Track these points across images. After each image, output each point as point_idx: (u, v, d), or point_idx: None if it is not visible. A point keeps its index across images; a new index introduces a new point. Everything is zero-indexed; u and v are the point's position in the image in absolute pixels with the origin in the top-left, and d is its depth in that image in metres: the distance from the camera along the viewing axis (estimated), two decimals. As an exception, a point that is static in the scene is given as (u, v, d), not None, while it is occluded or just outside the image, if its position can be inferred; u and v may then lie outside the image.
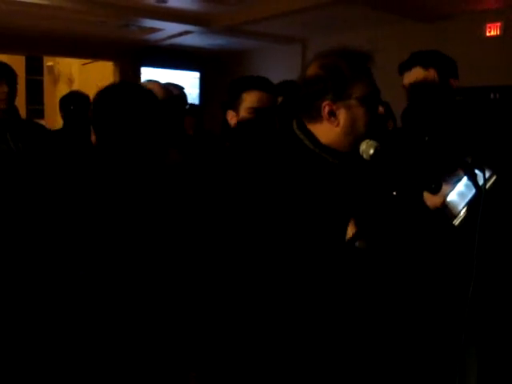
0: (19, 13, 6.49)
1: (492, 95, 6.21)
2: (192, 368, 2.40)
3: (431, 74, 2.45)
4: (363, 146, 1.73)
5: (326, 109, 1.75)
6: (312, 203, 1.71)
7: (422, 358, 2.33)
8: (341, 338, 1.79)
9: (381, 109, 1.79)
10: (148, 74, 8.86)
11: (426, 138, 2.30)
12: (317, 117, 1.78)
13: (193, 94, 9.48)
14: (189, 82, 9.43)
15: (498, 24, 6.42)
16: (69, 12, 6.47)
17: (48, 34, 7.84)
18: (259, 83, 2.57)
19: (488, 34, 6.49)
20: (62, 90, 10.74)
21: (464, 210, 1.94)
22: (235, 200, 1.80)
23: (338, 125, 1.75)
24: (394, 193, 1.66)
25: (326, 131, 1.77)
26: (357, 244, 1.68)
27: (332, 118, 1.75)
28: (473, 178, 1.77)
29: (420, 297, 2.27)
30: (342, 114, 1.75)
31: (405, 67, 2.51)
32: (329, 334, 1.77)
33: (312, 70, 1.79)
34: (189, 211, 2.14)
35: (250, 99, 2.51)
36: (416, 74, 2.46)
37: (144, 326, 2.20)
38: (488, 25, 6.45)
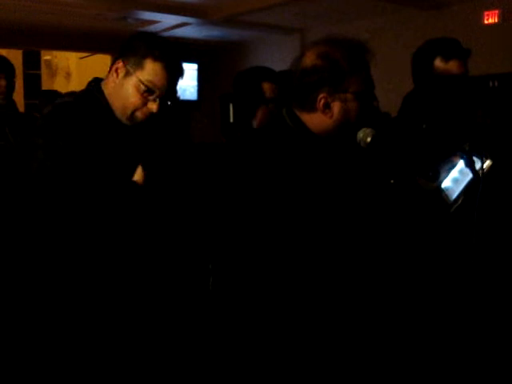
0: (15, 7, 6.47)
1: (491, 83, 6.20)
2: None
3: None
4: (361, 134, 1.74)
5: (322, 101, 1.75)
6: (300, 188, 1.72)
7: (421, 346, 2.34)
8: (341, 325, 1.80)
9: (376, 104, 1.79)
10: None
11: (424, 126, 2.30)
12: (310, 107, 1.78)
13: (191, 86, 9.45)
14: (187, 73, 9.39)
15: (496, 12, 6.40)
16: (65, 5, 6.45)
17: (45, 28, 7.80)
18: (271, 75, 2.61)
19: (486, 22, 6.48)
20: (60, 83, 10.72)
21: (460, 197, 1.95)
22: (228, 191, 1.80)
23: (331, 117, 1.76)
24: (392, 181, 1.66)
25: (319, 121, 1.78)
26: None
27: (326, 110, 1.75)
28: (471, 165, 1.78)
29: (418, 285, 2.28)
30: (336, 107, 1.75)
31: (449, 55, 2.46)
32: (332, 320, 1.78)
33: (309, 60, 1.78)
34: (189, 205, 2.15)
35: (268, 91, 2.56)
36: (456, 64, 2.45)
37: (142, 317, 2.21)
38: (486, 12, 6.43)
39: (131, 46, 2.11)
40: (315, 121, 1.79)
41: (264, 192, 1.71)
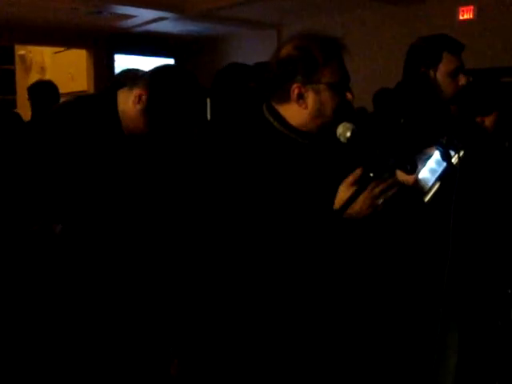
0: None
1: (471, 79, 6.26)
2: (174, 355, 2.42)
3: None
4: (340, 129, 1.76)
5: (296, 91, 1.77)
6: (281, 182, 1.73)
7: (400, 332, 2.37)
8: (322, 311, 1.81)
9: (349, 96, 1.81)
10: (122, 61, 8.77)
11: (402, 120, 2.33)
12: (286, 98, 1.80)
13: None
14: (163, 69, 9.35)
15: (471, 7, 6.46)
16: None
17: (19, 22, 7.72)
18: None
19: (461, 18, 6.54)
20: (35, 79, 10.58)
21: (435, 186, 1.99)
22: (210, 184, 1.81)
23: (306, 107, 1.78)
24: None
25: (294, 113, 1.80)
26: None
27: (300, 101, 1.77)
28: (447, 158, 1.81)
29: (396, 274, 2.31)
30: (310, 98, 1.77)
31: (455, 50, 2.53)
32: (312, 308, 1.80)
33: (285, 51, 1.81)
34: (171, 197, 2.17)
35: None
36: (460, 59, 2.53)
37: (125, 314, 2.21)
38: (461, 8, 6.49)
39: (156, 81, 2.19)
40: (291, 112, 1.81)
41: (235, 187, 1.74)
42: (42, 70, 10.50)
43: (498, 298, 2.56)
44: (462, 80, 2.47)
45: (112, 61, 8.82)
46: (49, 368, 2.15)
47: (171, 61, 9.62)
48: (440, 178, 1.97)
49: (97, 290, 2.14)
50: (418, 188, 1.99)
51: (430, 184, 1.99)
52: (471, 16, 6.47)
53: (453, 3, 6.52)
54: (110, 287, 2.16)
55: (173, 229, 2.19)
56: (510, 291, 2.60)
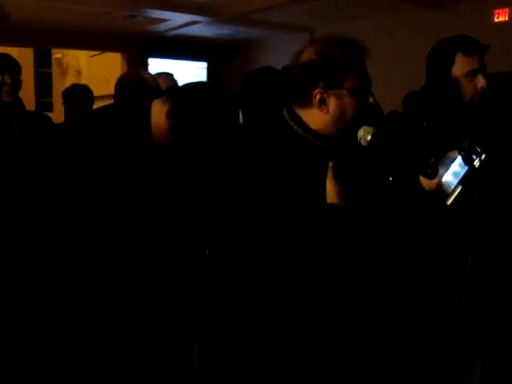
0: (26, 6, 6.51)
1: (501, 81, 6.18)
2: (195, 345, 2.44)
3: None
4: (361, 133, 1.76)
5: (317, 96, 1.77)
6: (300, 185, 1.74)
7: (411, 334, 2.35)
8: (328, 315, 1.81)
9: (371, 100, 1.80)
10: (155, 64, 8.86)
11: (424, 124, 2.31)
12: (307, 103, 1.80)
13: (200, 84, 9.44)
14: (196, 72, 9.43)
15: (506, 10, 6.38)
16: (74, 4, 6.49)
17: (55, 27, 7.85)
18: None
19: (496, 20, 6.45)
20: (71, 82, 10.74)
21: (457, 190, 1.96)
22: (233, 186, 1.82)
23: (327, 112, 1.78)
24: (390, 178, 1.67)
25: (315, 117, 1.80)
26: None
27: (322, 106, 1.77)
28: (470, 163, 1.79)
29: (415, 280, 2.29)
30: (332, 103, 1.77)
31: (471, 50, 2.47)
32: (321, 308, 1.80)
33: (307, 56, 1.81)
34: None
35: None
36: (479, 59, 2.45)
37: (147, 310, 2.22)
38: (496, 11, 6.41)
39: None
40: (312, 117, 1.81)
41: (253, 187, 1.75)
42: (78, 73, 10.67)
43: None
44: (481, 82, 2.40)
45: (146, 64, 8.91)
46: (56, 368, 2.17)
47: (204, 64, 9.68)
48: (462, 182, 1.96)
49: (112, 291, 2.16)
50: (441, 191, 1.98)
51: (453, 187, 1.98)
52: (506, 18, 6.39)
53: (487, 6, 6.44)
54: (125, 288, 2.17)
55: (201, 230, 2.21)
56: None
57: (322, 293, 1.79)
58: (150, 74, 3.52)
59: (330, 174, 1.74)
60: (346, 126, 1.79)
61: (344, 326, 1.84)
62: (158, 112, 2.17)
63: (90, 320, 2.15)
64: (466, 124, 2.29)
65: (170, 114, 2.12)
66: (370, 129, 1.75)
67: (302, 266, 1.73)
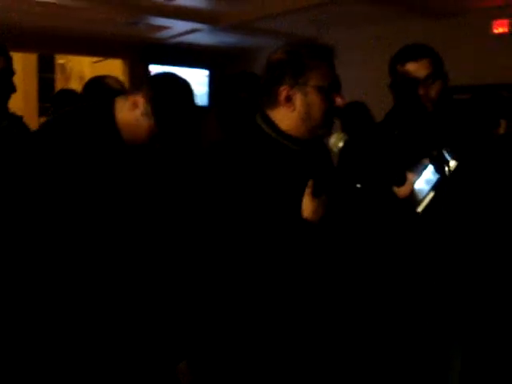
0: (29, 11, 6.55)
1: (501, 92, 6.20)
2: (182, 357, 2.45)
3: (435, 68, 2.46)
4: (333, 139, 1.79)
5: (283, 93, 1.80)
6: (273, 188, 1.76)
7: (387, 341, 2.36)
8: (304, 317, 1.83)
9: (340, 101, 1.83)
10: (157, 71, 8.87)
11: (396, 132, 2.33)
12: (275, 102, 1.83)
13: (201, 92, 9.52)
14: (198, 79, 9.46)
15: (506, 21, 6.40)
16: (76, 10, 6.51)
17: (59, 33, 7.88)
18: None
19: (495, 31, 6.47)
20: (74, 87, 10.79)
21: (428, 197, 1.97)
22: (208, 192, 1.83)
23: (293, 110, 1.80)
24: (358, 185, 1.69)
25: (283, 116, 1.83)
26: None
27: (288, 103, 1.80)
28: (440, 171, 1.82)
29: (388, 283, 2.30)
30: (298, 100, 1.80)
31: (411, 56, 2.47)
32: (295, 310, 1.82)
33: (275, 56, 1.85)
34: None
35: None
36: (426, 65, 2.44)
37: (132, 315, 2.24)
38: (495, 22, 6.43)
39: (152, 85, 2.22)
40: (281, 116, 1.84)
41: (230, 194, 1.77)
42: (81, 79, 10.70)
43: (501, 310, 2.53)
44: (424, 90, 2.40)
45: (147, 71, 8.94)
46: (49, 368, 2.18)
47: (206, 72, 9.71)
48: (434, 189, 1.96)
49: (97, 291, 2.17)
50: (413, 199, 1.99)
51: (423, 195, 1.98)
52: (506, 29, 6.41)
53: (487, 17, 6.46)
54: (110, 289, 2.19)
55: (173, 232, 2.22)
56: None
57: (293, 300, 1.81)
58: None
59: (308, 190, 1.76)
60: (314, 126, 1.82)
61: (313, 332, 1.85)
62: (120, 108, 2.21)
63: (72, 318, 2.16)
64: (435, 132, 2.29)
65: (150, 100, 2.15)
66: (342, 135, 1.78)
67: (271, 273, 1.75)
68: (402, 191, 1.98)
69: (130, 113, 2.19)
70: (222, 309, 1.84)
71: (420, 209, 1.97)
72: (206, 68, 9.70)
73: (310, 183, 1.75)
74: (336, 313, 1.88)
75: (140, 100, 2.18)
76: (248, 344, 1.83)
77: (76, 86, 10.12)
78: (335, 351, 1.88)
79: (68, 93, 4.50)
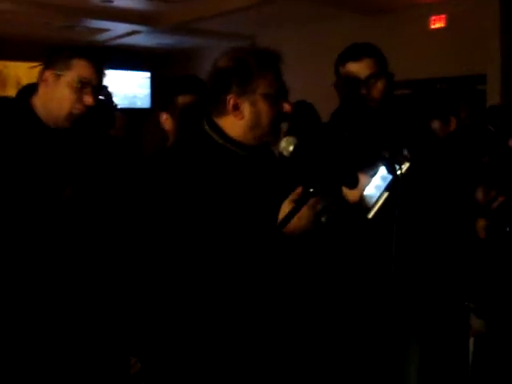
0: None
1: (438, 86, 6.33)
2: (133, 353, 2.41)
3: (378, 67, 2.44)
4: (283, 143, 1.76)
5: (231, 102, 1.77)
6: (221, 195, 1.72)
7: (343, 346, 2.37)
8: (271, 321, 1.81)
9: (287, 107, 1.80)
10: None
11: (346, 133, 2.31)
12: (223, 110, 1.79)
13: (143, 94, 9.44)
14: (139, 82, 9.36)
15: (443, 16, 6.53)
16: (12, 14, 6.35)
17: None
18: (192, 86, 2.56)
19: (432, 26, 6.60)
20: (11, 93, 10.50)
21: (378, 202, 1.95)
22: (154, 199, 1.79)
23: (242, 118, 1.77)
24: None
25: (232, 125, 1.80)
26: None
27: (236, 112, 1.77)
28: (392, 172, 1.81)
29: (339, 290, 2.30)
30: (246, 108, 1.77)
31: (352, 56, 2.45)
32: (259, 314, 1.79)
33: (221, 63, 1.82)
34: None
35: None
36: (368, 65, 2.42)
37: (82, 311, 2.20)
38: (432, 17, 6.56)
39: (54, 56, 2.21)
40: (229, 124, 1.80)
41: (176, 201, 1.73)
42: (18, 84, 10.45)
43: (456, 310, 2.56)
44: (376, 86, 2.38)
45: (87, 75, 8.79)
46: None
47: (147, 74, 9.62)
48: (388, 191, 1.94)
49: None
50: (363, 205, 1.97)
51: (374, 201, 1.96)
52: (443, 24, 6.55)
53: (424, 12, 6.59)
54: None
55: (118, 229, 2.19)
56: (467, 303, 2.62)
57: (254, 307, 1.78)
58: None
59: (291, 197, 1.72)
60: (263, 134, 1.80)
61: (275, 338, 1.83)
62: (37, 93, 2.20)
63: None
64: (382, 132, 2.29)
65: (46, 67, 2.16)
66: (292, 139, 1.76)
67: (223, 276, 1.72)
68: (352, 195, 1.96)
69: (46, 90, 2.18)
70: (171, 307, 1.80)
71: (371, 215, 1.94)
72: (147, 70, 9.61)
73: (297, 190, 1.71)
74: (292, 315, 1.86)
75: (47, 73, 2.17)
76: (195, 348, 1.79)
77: (13, 91, 9.87)
78: (290, 353, 1.86)
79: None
